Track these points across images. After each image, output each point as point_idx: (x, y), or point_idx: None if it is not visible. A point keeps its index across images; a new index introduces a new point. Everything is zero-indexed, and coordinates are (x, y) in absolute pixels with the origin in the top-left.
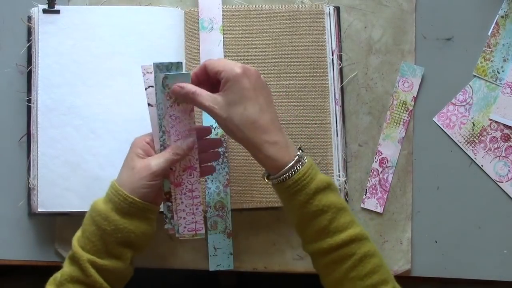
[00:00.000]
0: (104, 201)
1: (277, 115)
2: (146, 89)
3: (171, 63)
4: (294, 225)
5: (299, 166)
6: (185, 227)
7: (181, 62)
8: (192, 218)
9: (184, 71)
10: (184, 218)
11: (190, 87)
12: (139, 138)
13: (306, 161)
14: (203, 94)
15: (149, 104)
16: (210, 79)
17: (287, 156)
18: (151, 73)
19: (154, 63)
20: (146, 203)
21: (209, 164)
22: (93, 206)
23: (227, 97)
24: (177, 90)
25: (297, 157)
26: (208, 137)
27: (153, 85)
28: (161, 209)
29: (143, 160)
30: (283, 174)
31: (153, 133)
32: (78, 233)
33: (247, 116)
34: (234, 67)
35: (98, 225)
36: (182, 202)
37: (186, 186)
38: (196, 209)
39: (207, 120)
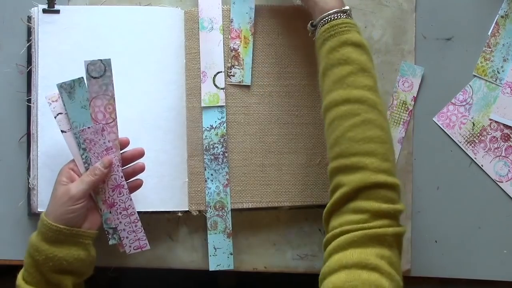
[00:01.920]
0: (35, 234)
1: None
2: (55, 117)
3: (73, 81)
4: (320, 72)
5: (341, 15)
6: (130, 246)
7: (82, 77)
8: (134, 236)
9: (86, 85)
10: (127, 237)
11: None
12: (63, 166)
13: (351, 16)
14: None
15: (62, 131)
16: None
17: (336, 3)
18: (56, 100)
19: (57, 84)
20: (72, 229)
21: (135, 178)
22: (29, 239)
23: None
24: None
25: (345, 8)
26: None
27: (62, 111)
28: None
29: (63, 186)
30: (325, 16)
31: (75, 159)
32: (22, 269)
33: None
34: None
35: (32, 257)
36: (120, 222)
37: (120, 205)
38: (135, 226)
39: (207, 121)
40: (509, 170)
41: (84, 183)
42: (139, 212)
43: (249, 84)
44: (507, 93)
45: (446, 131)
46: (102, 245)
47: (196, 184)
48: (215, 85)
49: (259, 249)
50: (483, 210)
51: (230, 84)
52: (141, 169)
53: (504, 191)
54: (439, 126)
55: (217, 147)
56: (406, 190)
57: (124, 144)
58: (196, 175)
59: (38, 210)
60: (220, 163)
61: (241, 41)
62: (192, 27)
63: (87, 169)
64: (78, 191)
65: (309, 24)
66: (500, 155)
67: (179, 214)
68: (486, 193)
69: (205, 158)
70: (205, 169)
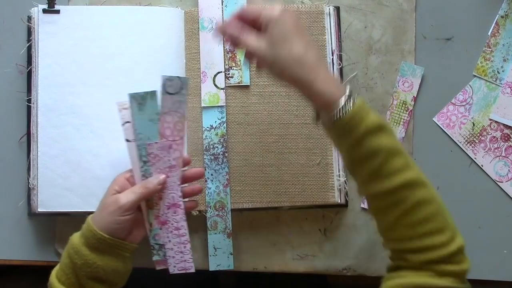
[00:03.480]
0: (79, 235)
1: (321, 54)
2: (122, 125)
3: (146, 93)
4: (347, 167)
5: (349, 106)
6: (174, 267)
7: (156, 91)
8: (181, 257)
9: (158, 100)
10: (173, 257)
11: (234, 29)
12: (119, 175)
13: (356, 99)
14: (248, 37)
15: (127, 140)
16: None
17: (337, 92)
18: (127, 108)
19: (129, 94)
20: (116, 240)
21: (192, 199)
22: (70, 239)
23: (271, 37)
24: (221, 29)
25: (348, 93)
26: (191, 169)
27: (130, 120)
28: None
29: (114, 195)
30: (333, 112)
31: (133, 169)
32: (57, 266)
33: (294, 53)
34: (273, 8)
35: (71, 259)
36: (169, 241)
37: (172, 224)
38: (184, 247)
39: (207, 121)
40: (509, 170)
41: (134, 194)
42: None
43: (249, 84)
44: (507, 93)
45: (446, 131)
46: None
47: (196, 184)
48: (215, 85)
49: (259, 249)
50: (483, 210)
51: (230, 85)
52: (199, 191)
53: (504, 191)
54: (439, 126)
55: (217, 147)
56: None
57: (185, 163)
58: None
59: (38, 210)
60: (220, 163)
61: None
62: (192, 27)
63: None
64: (127, 202)
65: (313, 117)
66: (500, 155)
67: None
68: (486, 193)
69: (205, 158)
70: (205, 169)
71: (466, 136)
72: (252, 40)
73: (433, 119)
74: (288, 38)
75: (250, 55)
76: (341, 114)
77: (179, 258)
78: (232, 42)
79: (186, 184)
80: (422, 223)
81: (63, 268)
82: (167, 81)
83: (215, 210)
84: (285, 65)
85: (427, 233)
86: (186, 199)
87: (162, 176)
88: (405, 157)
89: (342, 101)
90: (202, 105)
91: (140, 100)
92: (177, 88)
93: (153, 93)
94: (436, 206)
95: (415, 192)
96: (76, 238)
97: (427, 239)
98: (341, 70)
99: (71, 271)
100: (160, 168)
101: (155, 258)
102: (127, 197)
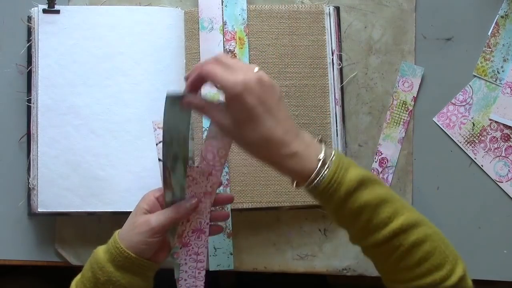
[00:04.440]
0: (104, 250)
1: (289, 114)
2: (157, 144)
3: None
4: (336, 224)
5: (324, 173)
6: None
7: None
8: (193, 282)
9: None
10: (185, 280)
11: (199, 100)
12: (149, 192)
13: (332, 161)
14: (214, 111)
15: (159, 159)
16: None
17: (309, 164)
18: (161, 128)
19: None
20: (142, 260)
21: (217, 223)
22: (94, 252)
23: (234, 116)
24: (186, 103)
25: (321, 161)
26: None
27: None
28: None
29: (144, 215)
30: (309, 184)
31: (164, 188)
32: (78, 276)
33: (258, 136)
34: (234, 85)
35: (94, 273)
36: (185, 263)
37: (193, 248)
38: (199, 273)
39: (207, 121)
40: (509, 170)
41: (166, 218)
42: None
43: None
44: (507, 93)
45: (446, 131)
46: (103, 244)
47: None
48: (215, 85)
49: (259, 249)
50: (483, 210)
51: None
52: (226, 217)
53: (504, 191)
54: (439, 126)
55: None
56: (406, 190)
57: (229, 200)
58: None
59: (38, 210)
60: None
61: (236, 43)
62: (192, 27)
63: (173, 202)
64: (158, 225)
65: (292, 183)
66: (500, 155)
67: None
68: (486, 193)
69: None
70: None
71: (466, 136)
72: (217, 114)
73: (433, 119)
74: (252, 118)
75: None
76: (317, 183)
77: (191, 282)
78: (199, 112)
79: (213, 208)
80: (421, 263)
81: (84, 282)
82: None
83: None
84: (252, 148)
85: (427, 272)
86: (212, 222)
87: (195, 200)
88: (392, 204)
89: (315, 172)
90: None
91: (173, 99)
92: None
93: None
94: (431, 243)
95: (408, 236)
96: (101, 253)
97: (428, 277)
98: (341, 70)
99: (93, 286)
100: (195, 192)
101: (176, 276)
102: (159, 219)
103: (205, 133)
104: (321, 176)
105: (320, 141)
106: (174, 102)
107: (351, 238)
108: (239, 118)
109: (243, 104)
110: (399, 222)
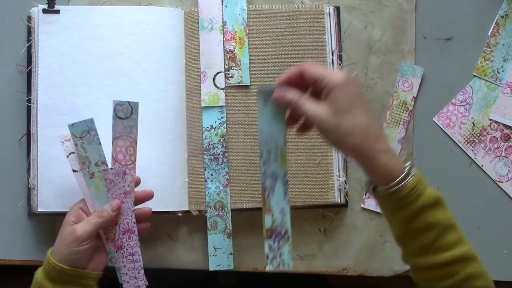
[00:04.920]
0: (41, 270)
1: (383, 127)
2: (67, 156)
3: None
4: (395, 236)
5: (409, 179)
6: None
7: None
8: (135, 282)
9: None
10: (128, 282)
11: (293, 94)
12: (73, 204)
13: (414, 174)
14: (308, 103)
15: (74, 171)
16: (304, 85)
17: (398, 166)
18: (69, 140)
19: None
20: (76, 270)
21: (144, 222)
22: (35, 274)
23: (334, 105)
24: (279, 97)
25: (408, 168)
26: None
27: (74, 151)
28: None
29: (71, 226)
30: (393, 187)
31: (85, 198)
32: None
33: (358, 124)
34: (338, 74)
35: None
36: (124, 266)
37: (127, 249)
38: (138, 273)
39: (207, 121)
40: (509, 170)
41: (91, 225)
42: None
43: (249, 84)
44: (507, 93)
45: (446, 131)
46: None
47: (196, 184)
48: (215, 85)
49: (259, 249)
50: (483, 210)
51: (230, 86)
52: (148, 214)
53: (504, 191)
54: (439, 126)
55: (217, 147)
56: None
57: (136, 183)
58: (196, 175)
59: (38, 210)
60: (220, 163)
61: (236, 43)
62: (192, 27)
63: (273, 229)
64: (83, 233)
65: (367, 186)
66: (500, 155)
67: (179, 214)
68: (486, 193)
69: (205, 158)
70: (205, 169)
71: (466, 136)
72: (311, 105)
73: (433, 119)
74: (353, 107)
75: (306, 123)
76: (402, 186)
77: (133, 283)
78: (290, 106)
79: (137, 207)
80: None
81: None
82: (118, 106)
83: (215, 210)
84: (349, 134)
85: None
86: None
87: (116, 202)
88: (458, 232)
89: (402, 175)
90: (202, 105)
91: (267, 95)
92: (128, 113)
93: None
94: (485, 282)
95: (467, 266)
96: (39, 273)
97: None
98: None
99: None
100: (115, 194)
101: (120, 281)
102: (83, 227)
103: (205, 133)
104: (406, 182)
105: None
106: (266, 100)
107: (406, 256)
108: (340, 107)
109: (347, 92)
110: (462, 250)
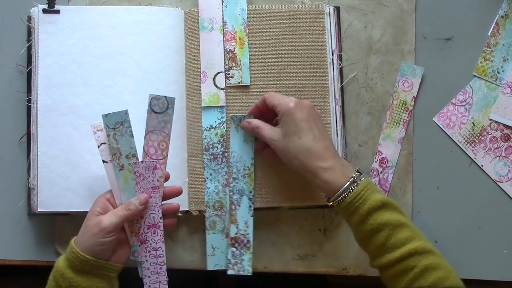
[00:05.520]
0: (63, 258)
1: (332, 142)
2: (98, 146)
3: (244, 116)
4: (357, 241)
5: (353, 188)
6: (149, 286)
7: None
8: (156, 278)
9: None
10: (149, 276)
11: (256, 122)
12: (99, 196)
13: (361, 182)
14: (266, 128)
15: (104, 161)
16: (270, 110)
17: (342, 179)
18: (101, 130)
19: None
20: (99, 261)
21: (170, 217)
22: (56, 262)
23: (284, 129)
24: (245, 125)
25: (352, 178)
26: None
27: (105, 142)
28: None
29: (96, 217)
30: (338, 196)
31: (112, 189)
32: None
33: (301, 144)
34: (288, 101)
35: (56, 281)
36: (146, 260)
37: (151, 244)
38: (160, 268)
39: (207, 120)
40: (509, 170)
41: (117, 217)
42: None
43: (249, 84)
44: (507, 93)
45: (446, 131)
46: None
47: (196, 184)
48: (215, 85)
49: (259, 249)
50: (483, 210)
51: (230, 86)
52: (176, 209)
53: (504, 191)
54: (439, 126)
55: (216, 147)
56: (406, 190)
57: (165, 179)
58: (196, 175)
59: (38, 210)
60: (219, 163)
61: (236, 43)
62: (192, 27)
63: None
64: (109, 224)
65: (325, 198)
66: (500, 155)
67: (179, 214)
68: (486, 193)
69: (204, 158)
70: (204, 169)
71: (466, 136)
72: (268, 131)
73: (433, 119)
74: (298, 131)
75: (260, 144)
76: (344, 196)
77: (155, 278)
78: (253, 132)
79: (164, 202)
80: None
81: None
82: (154, 100)
83: (213, 210)
84: (294, 154)
85: None
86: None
87: (144, 196)
88: (411, 230)
89: (346, 185)
90: (202, 105)
91: (238, 121)
92: (163, 108)
93: (249, 116)
94: (444, 272)
95: (423, 259)
96: (61, 261)
97: None
98: (341, 70)
99: None
100: (144, 187)
101: (141, 275)
102: (110, 219)
103: (205, 133)
104: (348, 191)
105: (357, 171)
106: (238, 126)
107: (370, 260)
108: (288, 130)
109: (293, 117)
110: (416, 245)
